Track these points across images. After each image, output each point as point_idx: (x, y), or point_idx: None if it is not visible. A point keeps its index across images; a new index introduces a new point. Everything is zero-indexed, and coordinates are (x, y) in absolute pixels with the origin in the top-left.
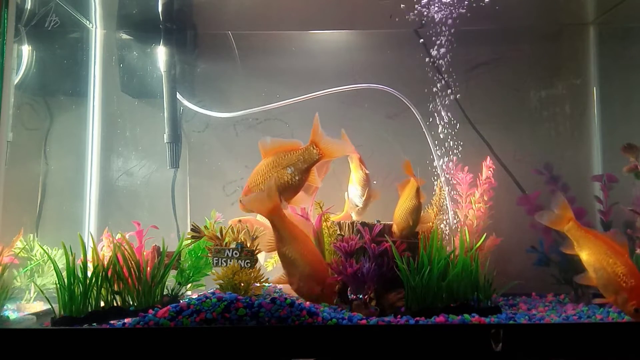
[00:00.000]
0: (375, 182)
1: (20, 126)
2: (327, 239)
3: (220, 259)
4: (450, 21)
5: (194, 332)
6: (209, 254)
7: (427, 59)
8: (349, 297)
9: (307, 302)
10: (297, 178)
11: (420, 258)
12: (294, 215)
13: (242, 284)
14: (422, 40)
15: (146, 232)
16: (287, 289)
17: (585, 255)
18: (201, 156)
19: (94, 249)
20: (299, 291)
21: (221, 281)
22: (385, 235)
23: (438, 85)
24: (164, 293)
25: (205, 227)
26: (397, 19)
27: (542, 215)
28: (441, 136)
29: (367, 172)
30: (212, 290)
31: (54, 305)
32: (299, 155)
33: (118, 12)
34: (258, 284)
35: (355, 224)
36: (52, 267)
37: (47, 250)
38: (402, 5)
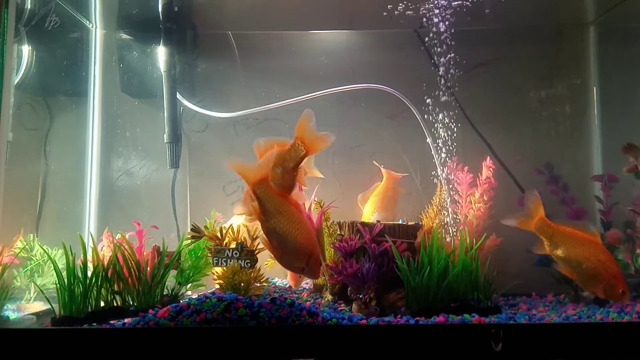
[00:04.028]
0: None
1: (20, 126)
2: (327, 239)
3: (220, 259)
4: (450, 21)
5: (194, 332)
6: (209, 254)
7: (427, 59)
8: (350, 297)
9: (307, 303)
10: (286, 177)
11: (420, 258)
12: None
13: (242, 284)
14: (422, 39)
15: (146, 232)
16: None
17: (561, 252)
18: (201, 156)
19: (94, 249)
20: (282, 263)
21: (221, 281)
22: (385, 235)
23: (438, 85)
24: (164, 293)
25: (205, 227)
26: (401, 17)
27: (509, 218)
28: (441, 135)
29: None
30: (212, 290)
31: (54, 305)
32: (286, 153)
33: (118, 12)
34: (258, 284)
35: (355, 224)
36: (52, 267)
37: (47, 250)
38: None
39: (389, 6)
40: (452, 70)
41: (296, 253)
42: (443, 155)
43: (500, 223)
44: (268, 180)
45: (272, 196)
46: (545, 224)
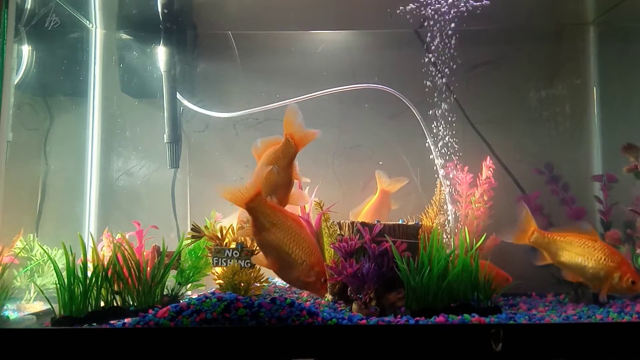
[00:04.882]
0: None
1: (20, 126)
2: (327, 239)
3: (220, 259)
4: (450, 21)
5: (194, 332)
6: (209, 254)
7: (427, 59)
8: (350, 297)
9: (307, 303)
10: (282, 175)
11: (420, 258)
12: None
13: (242, 284)
14: (422, 39)
15: (146, 232)
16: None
17: (562, 258)
18: (201, 156)
19: (94, 249)
20: (282, 278)
21: (221, 281)
22: (385, 235)
23: (438, 85)
24: (164, 293)
25: (205, 227)
26: (397, 19)
27: (506, 234)
28: (441, 135)
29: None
30: (212, 290)
31: (54, 305)
32: (279, 152)
33: (118, 12)
34: (258, 284)
35: (355, 224)
36: (52, 267)
37: (47, 250)
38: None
39: (389, 7)
40: (452, 70)
41: (299, 269)
42: (443, 155)
43: (500, 223)
44: (262, 196)
45: (266, 210)
46: (539, 236)
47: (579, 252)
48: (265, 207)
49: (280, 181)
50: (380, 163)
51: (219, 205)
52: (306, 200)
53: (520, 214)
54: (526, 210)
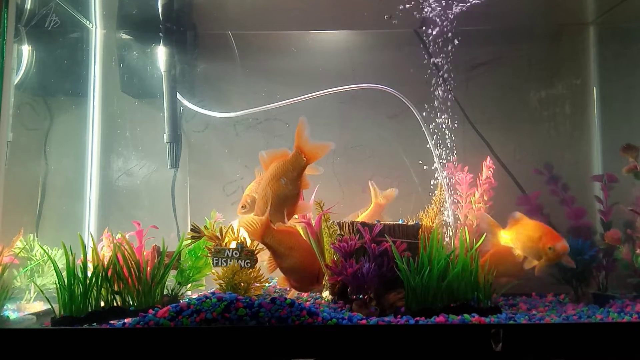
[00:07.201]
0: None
1: (20, 126)
2: (327, 239)
3: (220, 259)
4: (450, 21)
5: (194, 332)
6: (209, 254)
7: (427, 59)
8: (350, 297)
9: (307, 303)
10: (290, 187)
11: (420, 258)
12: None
13: (242, 284)
14: (422, 40)
15: (146, 232)
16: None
17: (517, 247)
18: (201, 156)
19: (94, 249)
20: (297, 289)
21: (221, 281)
22: (385, 235)
23: (438, 85)
24: (164, 293)
25: (205, 227)
26: (397, 20)
27: (484, 244)
28: (441, 136)
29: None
30: (212, 290)
31: (54, 305)
32: (289, 164)
33: (118, 12)
34: (258, 284)
35: (355, 224)
36: (52, 267)
37: (47, 250)
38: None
39: (389, 8)
40: (452, 70)
41: (312, 277)
42: (443, 155)
43: (501, 223)
44: (271, 227)
45: (279, 238)
46: (500, 232)
47: (518, 236)
48: (277, 236)
49: (289, 194)
50: (375, 190)
51: (219, 206)
52: (310, 210)
53: (484, 223)
54: (487, 217)
